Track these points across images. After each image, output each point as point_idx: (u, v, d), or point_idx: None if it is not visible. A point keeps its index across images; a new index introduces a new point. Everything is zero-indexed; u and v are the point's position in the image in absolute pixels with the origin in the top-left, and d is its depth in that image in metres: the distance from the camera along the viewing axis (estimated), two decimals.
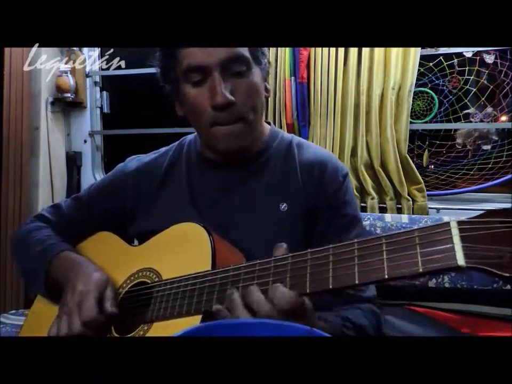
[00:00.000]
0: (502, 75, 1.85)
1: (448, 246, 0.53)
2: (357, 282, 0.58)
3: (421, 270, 0.54)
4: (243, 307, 0.65)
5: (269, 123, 1.02)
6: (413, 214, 1.81)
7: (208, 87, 0.82)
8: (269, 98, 1.92)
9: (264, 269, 0.68)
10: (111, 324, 0.82)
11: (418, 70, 1.80)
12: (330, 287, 0.60)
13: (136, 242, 1.00)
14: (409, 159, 1.82)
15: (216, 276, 0.73)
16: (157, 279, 0.83)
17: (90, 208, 1.04)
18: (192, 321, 0.72)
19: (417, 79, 1.82)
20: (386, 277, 0.56)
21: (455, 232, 0.53)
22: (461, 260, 0.51)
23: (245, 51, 0.83)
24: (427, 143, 2.00)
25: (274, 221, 0.89)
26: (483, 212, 0.54)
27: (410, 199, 1.83)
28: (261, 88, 0.88)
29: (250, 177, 0.93)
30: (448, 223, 0.54)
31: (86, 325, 0.77)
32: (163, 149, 1.06)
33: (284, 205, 0.89)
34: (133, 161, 1.04)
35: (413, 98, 1.81)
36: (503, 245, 0.50)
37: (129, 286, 0.87)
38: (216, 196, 0.93)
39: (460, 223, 0.54)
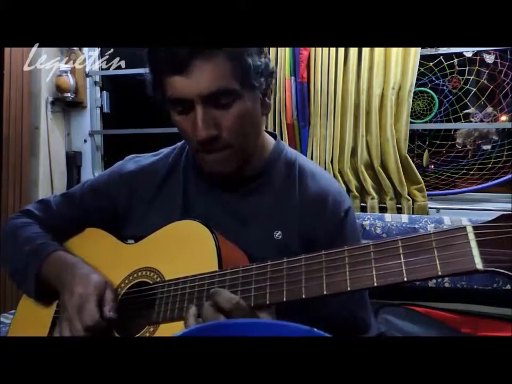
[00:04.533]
0: (502, 75, 1.85)
1: (466, 250, 0.55)
2: (375, 284, 0.59)
3: (440, 273, 0.56)
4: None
5: (275, 136, 0.97)
6: (413, 214, 1.80)
7: (192, 119, 0.79)
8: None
9: (276, 270, 0.67)
10: (113, 327, 0.80)
11: (418, 70, 1.80)
12: (348, 289, 0.61)
13: (130, 240, 0.96)
14: (409, 159, 1.82)
15: (225, 277, 0.71)
16: (159, 279, 0.81)
17: (82, 206, 1.00)
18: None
19: (417, 79, 1.82)
20: (405, 279, 0.57)
21: (471, 236, 0.55)
22: (479, 264, 0.54)
23: (231, 82, 0.77)
24: (427, 143, 2.00)
25: (268, 249, 0.84)
26: (497, 216, 0.56)
27: (410, 199, 1.83)
28: (254, 112, 0.83)
29: (247, 199, 0.90)
30: (464, 228, 0.56)
31: (88, 330, 0.76)
32: (164, 151, 1.02)
33: (278, 233, 0.86)
34: (131, 162, 1.01)
35: (413, 98, 1.81)
36: None
37: (128, 286, 0.86)
38: (210, 214, 0.89)
39: (475, 227, 0.56)
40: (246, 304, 0.66)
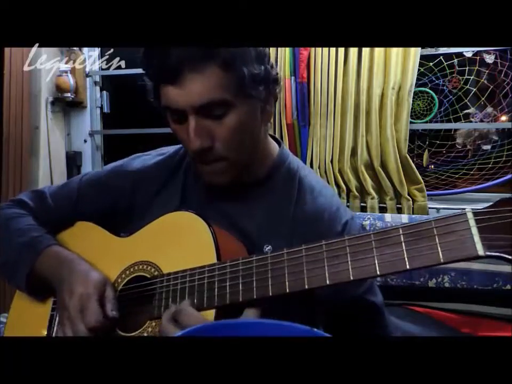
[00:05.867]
0: (502, 75, 1.85)
1: (467, 236, 0.56)
2: (378, 273, 0.60)
3: (442, 260, 0.57)
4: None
5: (279, 143, 0.94)
6: (413, 214, 1.80)
7: (186, 129, 0.78)
8: None
9: (277, 262, 0.68)
10: (115, 324, 0.80)
11: (418, 69, 1.80)
12: (351, 278, 0.62)
13: (123, 234, 0.94)
14: (409, 159, 1.82)
15: (225, 269, 0.72)
16: (156, 273, 0.81)
17: (79, 199, 0.97)
18: (205, 316, 0.71)
19: (417, 79, 1.82)
20: (408, 267, 0.58)
21: (472, 223, 0.56)
22: (480, 250, 0.55)
23: (224, 92, 0.75)
24: (427, 143, 2.00)
25: None
26: (495, 201, 0.57)
27: (410, 199, 1.83)
28: (251, 122, 0.81)
29: (241, 209, 0.88)
30: (465, 214, 0.57)
31: (91, 330, 0.75)
32: (170, 151, 0.99)
33: (268, 247, 0.83)
34: (137, 161, 0.99)
35: (413, 98, 1.81)
36: None
37: (125, 281, 0.84)
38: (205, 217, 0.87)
39: (475, 214, 0.57)
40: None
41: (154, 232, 0.86)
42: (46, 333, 0.89)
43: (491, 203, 0.58)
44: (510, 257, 0.54)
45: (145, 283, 0.82)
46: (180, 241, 0.81)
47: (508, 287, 1.32)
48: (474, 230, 0.56)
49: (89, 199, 0.98)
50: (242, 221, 0.87)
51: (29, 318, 0.93)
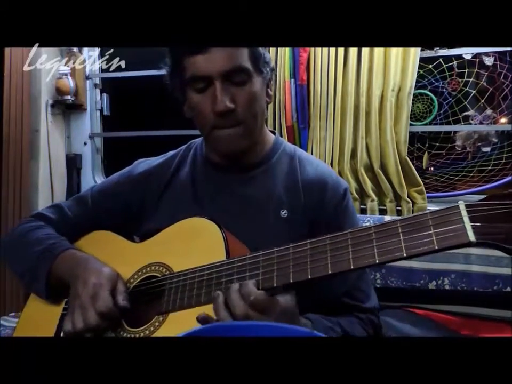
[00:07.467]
0: (502, 77, 1.85)
1: (459, 225, 0.61)
2: (377, 261, 0.64)
3: (436, 247, 0.61)
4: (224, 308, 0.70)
5: (274, 132, 1.04)
6: None
7: (211, 95, 0.87)
8: None
9: (283, 255, 0.72)
10: (123, 318, 0.83)
11: (418, 72, 1.80)
12: (352, 267, 0.66)
13: (137, 239, 1.00)
14: (409, 161, 1.81)
15: (233, 264, 0.75)
16: (167, 273, 0.84)
17: (94, 210, 1.04)
18: (210, 310, 0.73)
19: (417, 81, 1.82)
20: (404, 255, 0.63)
21: (464, 213, 0.61)
22: (472, 237, 0.59)
23: (246, 62, 0.88)
24: (427, 145, 2.00)
25: (275, 226, 0.92)
26: (485, 196, 0.62)
27: (410, 201, 1.82)
28: (262, 96, 0.93)
29: (252, 184, 0.97)
30: (457, 206, 0.63)
31: (101, 316, 0.78)
32: (171, 152, 1.08)
33: (284, 211, 0.93)
34: (141, 165, 1.06)
35: (413, 100, 1.81)
36: (506, 222, 0.58)
37: (137, 280, 0.88)
38: (218, 199, 0.96)
39: (468, 205, 0.62)
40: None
41: (168, 237, 0.90)
42: (54, 330, 0.90)
43: (485, 196, 0.63)
44: (499, 244, 0.58)
45: (154, 280, 0.86)
46: (192, 244, 0.85)
47: (508, 289, 1.32)
48: (466, 219, 0.60)
49: (103, 209, 1.04)
50: (255, 199, 0.95)
51: (40, 319, 0.95)
